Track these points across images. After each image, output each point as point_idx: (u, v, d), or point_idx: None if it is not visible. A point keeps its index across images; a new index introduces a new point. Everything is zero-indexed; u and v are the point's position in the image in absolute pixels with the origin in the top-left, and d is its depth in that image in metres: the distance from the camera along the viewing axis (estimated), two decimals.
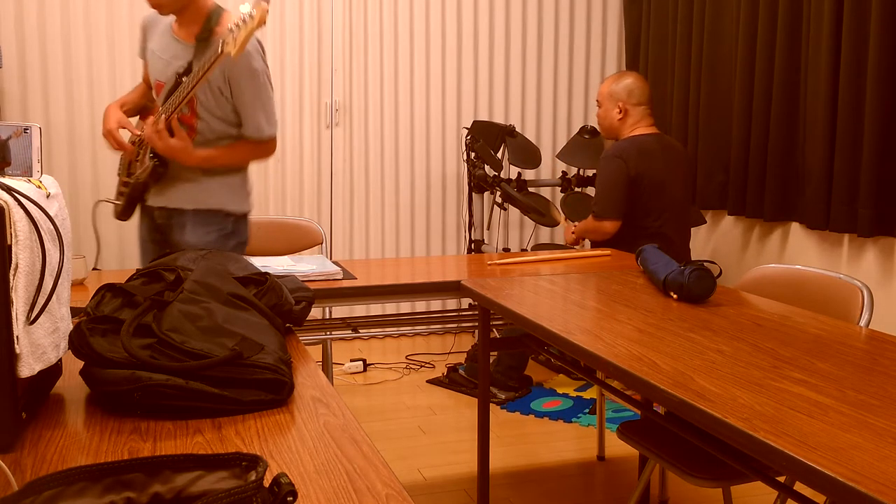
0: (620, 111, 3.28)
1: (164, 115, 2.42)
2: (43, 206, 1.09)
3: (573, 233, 3.40)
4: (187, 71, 2.44)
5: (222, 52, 2.19)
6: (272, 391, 1.19)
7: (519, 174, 4.20)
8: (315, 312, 3.05)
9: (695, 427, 1.31)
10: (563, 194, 4.16)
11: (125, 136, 2.55)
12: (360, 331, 3.99)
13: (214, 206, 2.53)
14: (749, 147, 3.75)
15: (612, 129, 3.34)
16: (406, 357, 4.35)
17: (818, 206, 3.33)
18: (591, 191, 4.43)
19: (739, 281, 2.32)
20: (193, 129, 2.50)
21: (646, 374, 1.38)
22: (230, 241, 2.56)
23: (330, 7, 4.36)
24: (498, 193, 3.93)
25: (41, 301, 1.07)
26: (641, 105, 3.28)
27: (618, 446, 3.14)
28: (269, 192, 4.38)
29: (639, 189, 3.17)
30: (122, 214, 2.67)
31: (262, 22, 2.11)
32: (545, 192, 4.59)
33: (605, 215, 3.19)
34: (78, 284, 2.13)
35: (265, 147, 2.55)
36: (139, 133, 2.54)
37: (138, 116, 2.73)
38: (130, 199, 2.63)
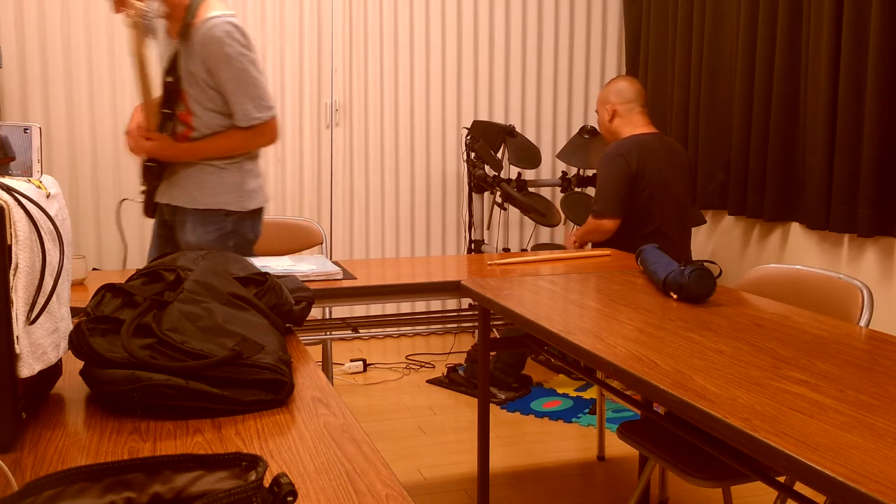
0: (609, 112, 3.31)
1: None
2: (43, 206, 1.09)
3: (574, 241, 3.39)
4: (170, 70, 2.47)
5: None
6: (272, 391, 1.19)
7: (519, 174, 4.20)
8: (315, 312, 3.05)
9: (695, 427, 1.31)
10: (563, 194, 4.16)
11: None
12: (360, 331, 3.99)
13: (213, 206, 2.53)
14: (749, 147, 3.75)
15: (609, 133, 3.36)
16: (406, 357, 4.35)
17: (818, 206, 3.33)
18: (591, 191, 4.43)
19: (739, 281, 2.32)
20: (190, 126, 2.51)
21: (646, 374, 1.38)
22: (230, 240, 2.55)
23: (330, 7, 4.36)
24: (498, 193, 3.93)
25: (41, 301, 1.07)
26: (629, 103, 3.29)
27: (618, 446, 3.14)
28: (269, 192, 4.38)
29: (640, 187, 3.17)
30: (145, 211, 2.72)
31: None
32: (545, 192, 4.59)
33: (604, 213, 3.18)
34: (78, 284, 2.13)
35: (259, 133, 2.50)
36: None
37: None
38: (148, 197, 2.68)
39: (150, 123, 2.50)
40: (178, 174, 2.55)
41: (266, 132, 2.51)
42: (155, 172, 2.56)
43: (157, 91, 2.51)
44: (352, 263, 2.53)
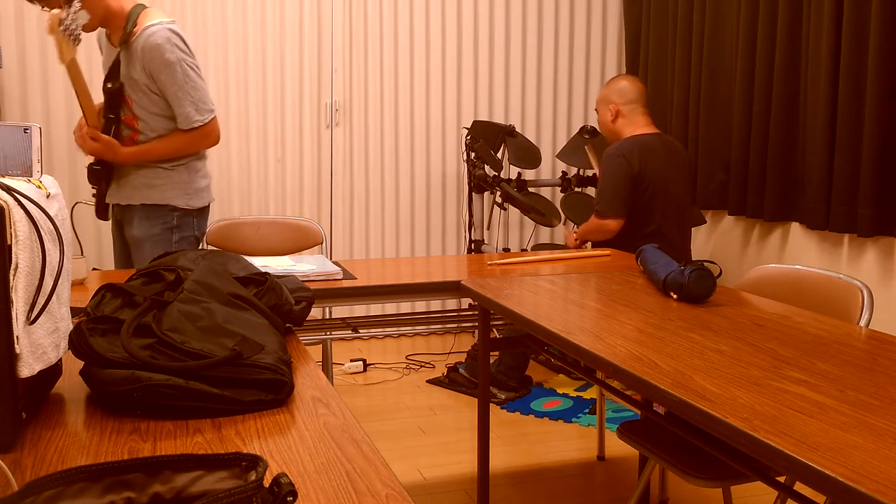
0: (612, 112, 3.30)
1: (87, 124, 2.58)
2: (43, 206, 1.10)
3: (576, 239, 3.39)
4: (108, 76, 2.56)
5: None
6: (272, 391, 1.19)
7: (519, 174, 4.20)
8: (315, 312, 3.05)
9: (695, 427, 1.31)
10: (563, 194, 4.16)
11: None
12: (360, 331, 3.99)
13: (159, 202, 2.62)
14: (749, 147, 3.75)
15: (612, 133, 3.35)
16: (406, 357, 4.35)
17: (818, 206, 3.33)
18: (591, 191, 4.43)
19: (739, 281, 2.32)
20: (136, 130, 2.59)
21: (646, 374, 1.38)
22: (174, 234, 2.65)
23: (330, 7, 4.36)
24: (498, 193, 3.93)
25: (41, 301, 1.07)
26: (632, 103, 3.28)
27: (618, 446, 3.14)
28: (269, 192, 4.38)
29: (641, 187, 3.17)
30: (97, 213, 2.79)
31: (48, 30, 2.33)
32: (545, 192, 4.59)
33: (608, 213, 3.18)
34: (78, 284, 2.13)
35: (201, 135, 2.60)
36: None
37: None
38: (99, 199, 2.75)
39: (91, 122, 2.55)
40: (128, 176, 2.63)
41: (208, 134, 2.62)
42: (100, 175, 2.65)
43: (94, 93, 2.59)
44: (352, 263, 2.53)
